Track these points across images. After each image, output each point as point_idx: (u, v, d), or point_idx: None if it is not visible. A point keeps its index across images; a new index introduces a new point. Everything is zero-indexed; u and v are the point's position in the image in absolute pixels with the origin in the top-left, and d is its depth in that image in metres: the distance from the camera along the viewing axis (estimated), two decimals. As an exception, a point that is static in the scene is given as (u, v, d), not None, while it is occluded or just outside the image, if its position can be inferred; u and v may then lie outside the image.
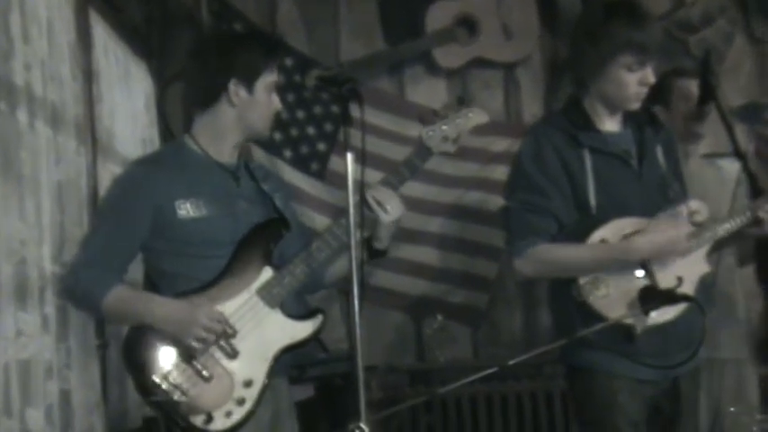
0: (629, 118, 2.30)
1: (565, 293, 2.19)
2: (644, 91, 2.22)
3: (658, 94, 2.47)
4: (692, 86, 2.77)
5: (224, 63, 2.13)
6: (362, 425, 1.76)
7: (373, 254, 2.17)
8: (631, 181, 2.23)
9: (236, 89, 2.12)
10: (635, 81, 2.19)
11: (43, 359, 2.21)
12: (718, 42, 4.11)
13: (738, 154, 2.37)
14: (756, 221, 2.22)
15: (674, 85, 2.80)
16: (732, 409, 2.77)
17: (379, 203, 2.13)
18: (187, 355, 2.02)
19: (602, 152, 2.22)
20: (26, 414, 2.09)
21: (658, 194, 2.24)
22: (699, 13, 4.12)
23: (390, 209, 2.14)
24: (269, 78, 2.16)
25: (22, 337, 2.10)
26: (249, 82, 2.13)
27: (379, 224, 2.15)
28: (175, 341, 2.01)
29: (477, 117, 2.26)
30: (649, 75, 2.20)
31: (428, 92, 4.13)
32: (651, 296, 2.10)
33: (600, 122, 2.26)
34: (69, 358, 2.38)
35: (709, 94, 2.42)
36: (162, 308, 2.03)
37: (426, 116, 2.24)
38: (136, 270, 2.18)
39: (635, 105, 2.24)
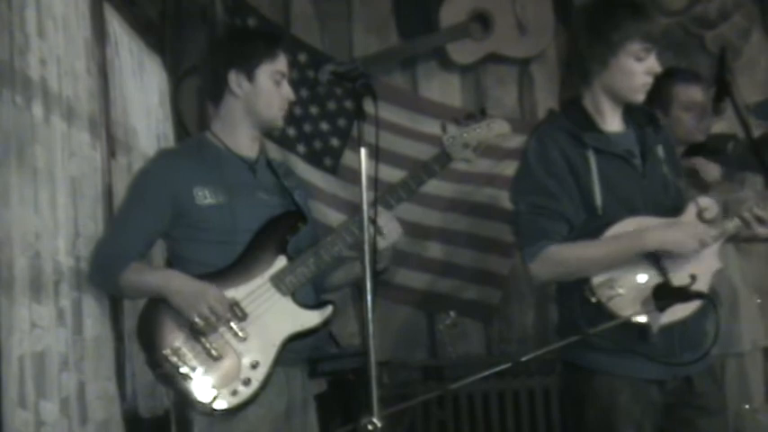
0: (630, 117, 2.31)
1: (570, 291, 2.19)
2: (650, 81, 2.23)
3: (656, 98, 2.46)
4: (691, 91, 2.76)
5: (223, 55, 2.21)
6: (375, 420, 1.77)
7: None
8: (635, 181, 2.23)
9: (237, 79, 2.19)
10: (642, 70, 2.21)
11: (58, 351, 2.22)
12: (735, 38, 4.08)
13: (754, 150, 2.36)
14: (760, 221, 2.20)
15: (672, 89, 2.79)
16: (747, 406, 2.75)
17: (377, 228, 2.11)
18: (197, 333, 2.07)
19: (606, 152, 2.22)
20: (40, 406, 2.10)
21: (662, 193, 2.25)
22: (715, 8, 4.09)
23: (387, 233, 2.15)
24: (271, 67, 2.20)
25: (36, 329, 2.11)
26: (249, 70, 2.18)
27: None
28: (181, 315, 2.07)
29: (498, 127, 2.30)
30: (655, 64, 2.22)
31: (442, 87, 4.12)
32: (664, 293, 2.09)
33: (602, 122, 2.27)
34: (85, 351, 2.39)
35: (724, 90, 2.41)
36: (175, 280, 2.10)
37: (448, 123, 2.27)
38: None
39: (641, 97, 2.25)
